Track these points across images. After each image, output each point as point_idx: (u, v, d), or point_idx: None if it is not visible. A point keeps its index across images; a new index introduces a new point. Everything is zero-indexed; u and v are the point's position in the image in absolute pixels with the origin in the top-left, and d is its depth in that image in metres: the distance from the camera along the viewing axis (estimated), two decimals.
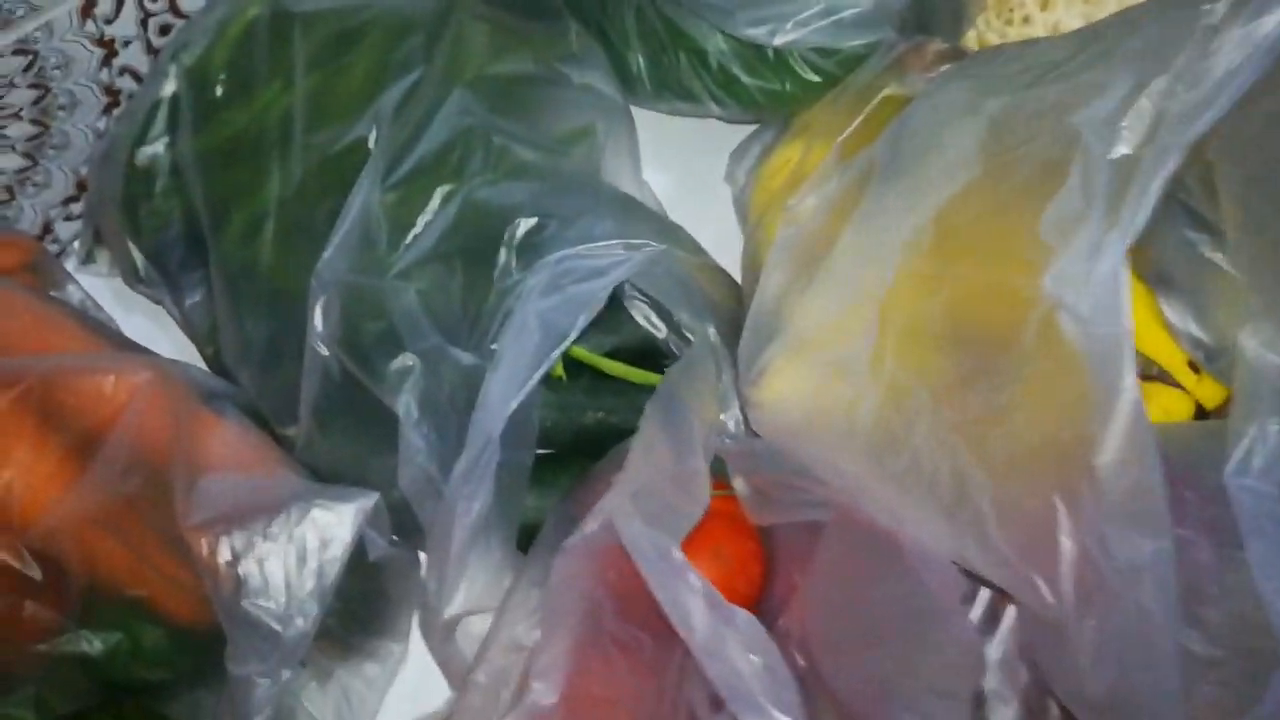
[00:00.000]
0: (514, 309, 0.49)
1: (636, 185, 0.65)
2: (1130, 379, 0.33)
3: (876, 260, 0.42)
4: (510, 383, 0.47)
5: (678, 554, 0.41)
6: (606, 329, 0.58)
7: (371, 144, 0.53)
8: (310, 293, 0.50)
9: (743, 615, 0.41)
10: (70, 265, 0.68)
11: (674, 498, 0.45)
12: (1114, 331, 0.33)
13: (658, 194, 0.65)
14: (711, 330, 0.54)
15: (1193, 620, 0.37)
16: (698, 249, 0.57)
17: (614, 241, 0.49)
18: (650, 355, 0.59)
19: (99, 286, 0.66)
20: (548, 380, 0.56)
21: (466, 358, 0.50)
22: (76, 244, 0.67)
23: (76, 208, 0.68)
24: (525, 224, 0.50)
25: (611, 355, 0.59)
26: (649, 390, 0.59)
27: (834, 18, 0.54)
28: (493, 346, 0.49)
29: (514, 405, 0.46)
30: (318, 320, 0.50)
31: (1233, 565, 0.36)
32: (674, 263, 0.52)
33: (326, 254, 0.50)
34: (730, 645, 0.39)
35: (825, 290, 0.46)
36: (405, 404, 0.48)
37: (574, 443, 0.58)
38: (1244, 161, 0.39)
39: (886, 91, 0.50)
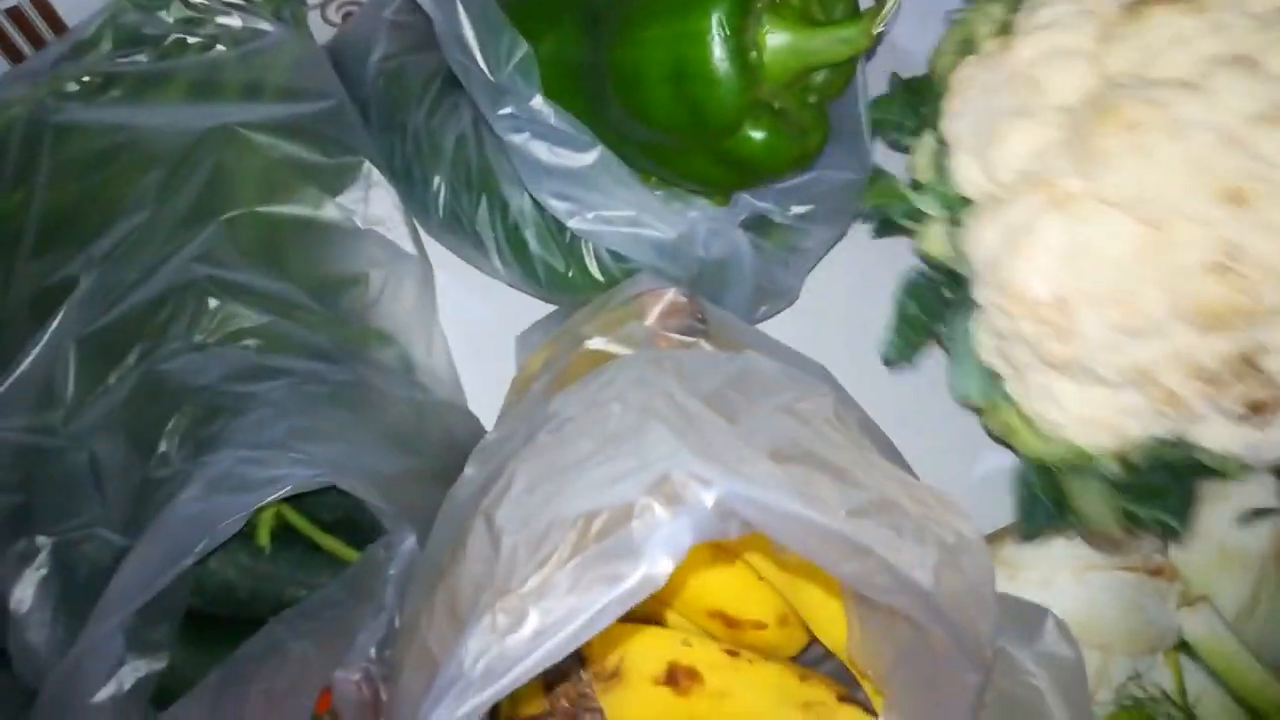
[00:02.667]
0: (173, 502, 0.46)
1: (426, 336, 0.61)
2: None
3: None
4: (133, 584, 0.44)
5: None
6: (329, 499, 0.54)
7: (81, 286, 0.50)
8: None
9: None
10: None
11: None
12: None
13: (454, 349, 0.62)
14: (411, 541, 0.50)
15: None
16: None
17: (279, 453, 0.46)
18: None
19: None
20: (249, 547, 0.53)
21: (119, 540, 0.47)
22: None
23: None
24: (192, 414, 0.47)
25: (331, 526, 0.55)
26: None
27: (635, 230, 0.51)
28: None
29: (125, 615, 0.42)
30: None
31: None
32: (361, 479, 0.48)
33: None
34: None
35: None
36: (18, 596, 0.45)
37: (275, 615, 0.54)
38: None
39: (592, 344, 0.45)
